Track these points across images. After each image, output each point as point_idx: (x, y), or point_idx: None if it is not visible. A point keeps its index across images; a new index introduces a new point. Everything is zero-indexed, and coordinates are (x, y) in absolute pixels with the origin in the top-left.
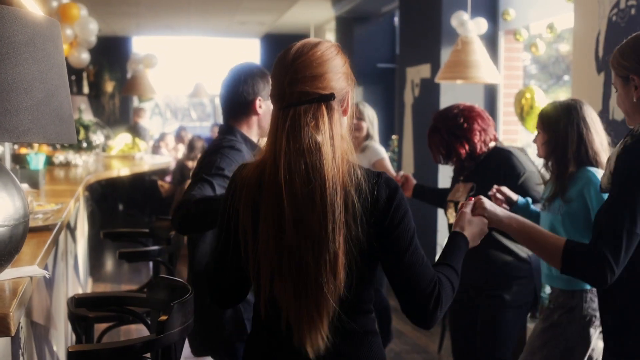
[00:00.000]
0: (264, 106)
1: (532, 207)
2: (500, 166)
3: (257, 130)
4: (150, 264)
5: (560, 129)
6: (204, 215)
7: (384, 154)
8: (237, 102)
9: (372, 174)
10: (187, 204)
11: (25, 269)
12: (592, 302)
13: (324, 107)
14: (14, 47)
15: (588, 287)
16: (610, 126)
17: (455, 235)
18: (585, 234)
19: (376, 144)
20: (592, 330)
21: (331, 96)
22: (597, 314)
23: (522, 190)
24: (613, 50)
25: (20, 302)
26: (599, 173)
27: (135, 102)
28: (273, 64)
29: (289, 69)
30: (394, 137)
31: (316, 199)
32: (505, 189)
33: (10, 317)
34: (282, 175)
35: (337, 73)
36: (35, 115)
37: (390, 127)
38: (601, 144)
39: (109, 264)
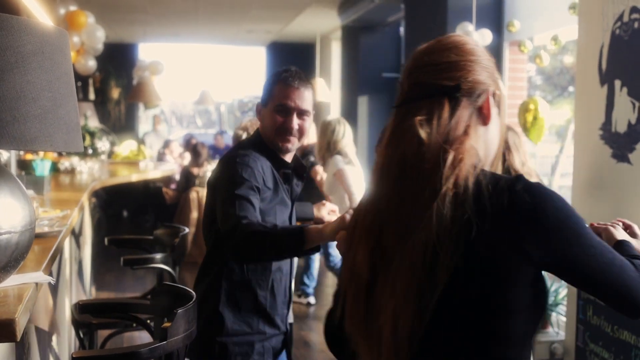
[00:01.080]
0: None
1: None
2: None
3: None
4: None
5: None
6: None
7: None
8: None
9: None
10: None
11: (30, 275)
12: None
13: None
14: (23, 56)
15: None
16: (613, 138)
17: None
18: None
19: (337, 157)
20: None
21: (457, 88)
22: None
23: None
24: (617, 63)
25: (25, 308)
26: None
27: (141, 108)
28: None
29: (409, 59)
30: None
31: None
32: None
33: (15, 322)
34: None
35: (474, 63)
36: (43, 123)
37: None
38: (522, 164)
39: (113, 270)
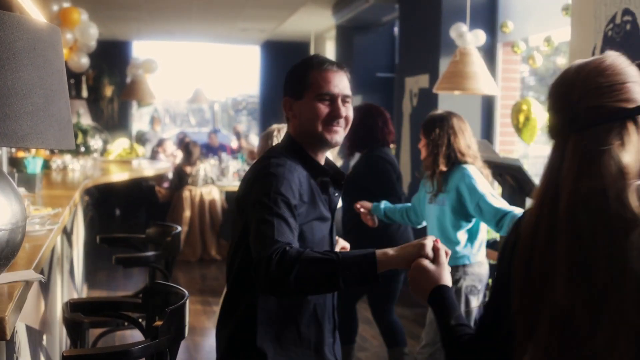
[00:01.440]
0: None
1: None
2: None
3: None
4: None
5: (435, 135)
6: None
7: None
8: None
9: None
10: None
11: (21, 273)
12: (472, 274)
13: (630, 126)
14: (15, 52)
15: (467, 262)
16: None
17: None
18: (464, 220)
19: None
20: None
21: (637, 110)
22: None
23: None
24: None
25: (16, 306)
26: (471, 168)
27: (134, 106)
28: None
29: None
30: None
31: None
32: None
33: (5, 320)
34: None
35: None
36: (34, 120)
37: None
38: (468, 146)
39: (105, 269)
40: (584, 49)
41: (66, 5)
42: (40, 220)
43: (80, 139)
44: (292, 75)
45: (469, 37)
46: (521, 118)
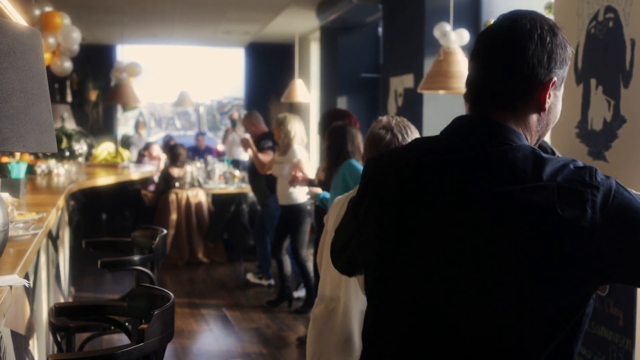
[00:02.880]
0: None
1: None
2: None
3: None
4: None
5: (332, 138)
6: None
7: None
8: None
9: None
10: None
11: (5, 278)
12: None
13: None
14: None
15: None
16: (589, 136)
17: None
18: None
19: (297, 147)
20: None
21: None
22: None
23: None
24: (592, 62)
25: None
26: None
27: (119, 110)
28: None
29: None
30: None
31: None
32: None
33: None
34: None
35: None
36: (15, 124)
37: None
38: (358, 147)
39: (92, 273)
40: None
41: (48, 9)
42: (25, 225)
43: (64, 144)
44: (555, 46)
45: (453, 37)
46: None
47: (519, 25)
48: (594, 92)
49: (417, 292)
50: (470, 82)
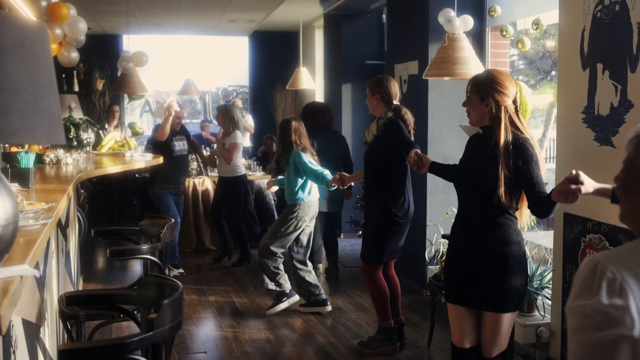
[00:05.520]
0: None
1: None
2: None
3: None
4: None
5: (283, 129)
6: None
7: (238, 141)
8: None
9: None
10: None
11: (16, 268)
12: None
13: None
14: (2, 49)
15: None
16: (596, 121)
17: None
18: (294, 181)
19: (237, 132)
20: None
21: None
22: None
23: None
24: (598, 47)
25: (10, 302)
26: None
27: (126, 99)
28: None
29: None
30: None
31: None
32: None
33: (0, 316)
34: None
35: None
36: (24, 116)
37: None
38: (303, 136)
39: (100, 262)
40: (573, 31)
41: (54, 0)
42: (34, 214)
43: (72, 133)
44: None
45: (458, 23)
46: None
47: None
48: (601, 76)
49: None
50: None
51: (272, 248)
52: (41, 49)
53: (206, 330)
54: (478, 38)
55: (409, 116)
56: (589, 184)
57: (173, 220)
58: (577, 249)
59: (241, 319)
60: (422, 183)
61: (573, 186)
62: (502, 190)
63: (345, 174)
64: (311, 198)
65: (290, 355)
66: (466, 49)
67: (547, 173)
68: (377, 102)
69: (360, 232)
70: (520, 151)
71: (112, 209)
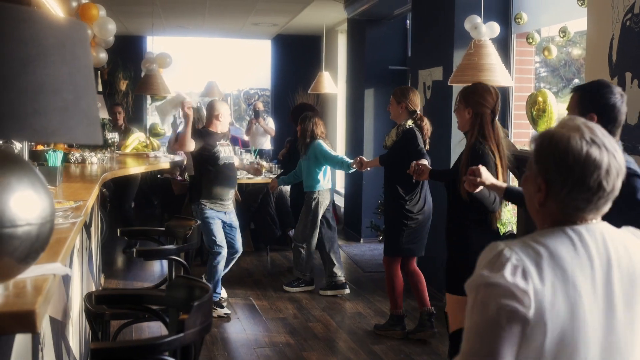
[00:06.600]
0: None
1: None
2: None
3: None
4: (162, 262)
5: (305, 123)
6: None
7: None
8: None
9: None
10: None
11: (48, 267)
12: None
13: None
14: (45, 49)
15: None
16: (624, 130)
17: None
18: (315, 170)
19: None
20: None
21: None
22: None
23: None
24: (627, 55)
25: (45, 299)
26: (322, 142)
27: (148, 100)
28: None
29: None
30: None
31: None
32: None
33: (36, 313)
34: None
35: None
36: (64, 116)
37: None
38: (322, 131)
39: (120, 261)
40: (602, 40)
41: (85, 1)
42: (63, 213)
43: None
44: None
45: (484, 29)
46: (537, 110)
47: None
48: (629, 85)
49: None
50: None
51: (306, 237)
52: (81, 50)
53: (226, 333)
54: (503, 45)
55: (427, 125)
56: (486, 177)
57: (199, 222)
58: None
59: (261, 322)
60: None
61: (471, 177)
62: (461, 187)
63: (364, 158)
64: (328, 185)
65: None
66: (492, 55)
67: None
68: (401, 110)
69: (381, 237)
70: (473, 152)
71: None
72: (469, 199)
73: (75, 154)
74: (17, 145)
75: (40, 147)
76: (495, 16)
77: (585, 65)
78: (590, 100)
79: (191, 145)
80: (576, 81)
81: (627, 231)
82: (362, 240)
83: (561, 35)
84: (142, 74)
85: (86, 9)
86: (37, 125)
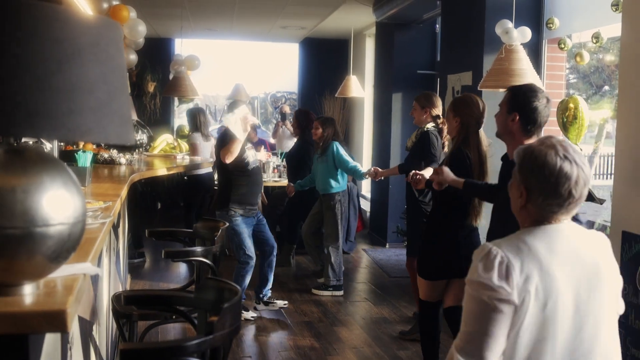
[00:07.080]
0: None
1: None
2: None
3: None
4: (187, 263)
5: (325, 128)
6: None
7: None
8: None
9: None
10: None
11: (78, 266)
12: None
13: None
14: (79, 48)
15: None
16: None
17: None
18: (334, 171)
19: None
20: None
21: None
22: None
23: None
24: None
25: (76, 299)
26: (338, 144)
27: (175, 103)
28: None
29: None
30: None
31: None
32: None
33: (67, 313)
34: None
35: None
36: (98, 115)
37: None
38: (338, 134)
39: (146, 261)
40: (637, 46)
41: (115, 2)
42: (93, 213)
43: None
44: None
45: (515, 34)
46: (568, 116)
47: None
48: None
49: None
50: None
51: (335, 240)
52: (115, 49)
53: (251, 335)
54: (534, 50)
55: (446, 129)
56: (447, 175)
57: (227, 224)
58: (635, 268)
59: (286, 325)
60: None
61: (418, 177)
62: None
63: (378, 168)
64: (345, 186)
65: None
66: (523, 61)
67: (598, 190)
68: (425, 115)
69: (406, 242)
70: (452, 155)
71: (158, 209)
72: (456, 196)
73: (104, 155)
74: (47, 145)
75: (69, 148)
76: (527, 21)
77: (619, 72)
78: (517, 101)
79: (231, 156)
80: (606, 88)
81: (590, 231)
82: (387, 245)
83: (594, 41)
84: (170, 76)
85: (117, 10)
86: (71, 124)
